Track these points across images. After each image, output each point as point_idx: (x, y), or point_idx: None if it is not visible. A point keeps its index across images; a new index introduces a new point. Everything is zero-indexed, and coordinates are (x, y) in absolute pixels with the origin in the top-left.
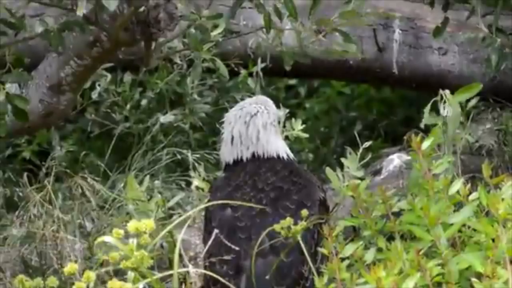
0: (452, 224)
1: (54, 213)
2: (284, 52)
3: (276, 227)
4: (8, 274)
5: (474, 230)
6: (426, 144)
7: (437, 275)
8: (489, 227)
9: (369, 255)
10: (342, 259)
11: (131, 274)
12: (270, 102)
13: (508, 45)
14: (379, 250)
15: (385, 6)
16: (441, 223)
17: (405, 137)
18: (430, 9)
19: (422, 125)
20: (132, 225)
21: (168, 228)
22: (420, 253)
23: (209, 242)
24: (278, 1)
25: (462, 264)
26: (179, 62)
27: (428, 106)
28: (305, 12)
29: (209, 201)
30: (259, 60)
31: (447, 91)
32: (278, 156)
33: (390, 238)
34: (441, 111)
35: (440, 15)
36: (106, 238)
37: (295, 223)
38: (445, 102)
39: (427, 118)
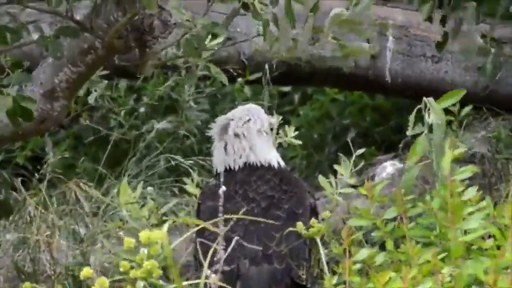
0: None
1: (48, 219)
2: (284, 56)
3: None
4: (1, 279)
5: (483, 238)
6: (458, 150)
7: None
8: (500, 235)
9: (380, 257)
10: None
11: (140, 284)
12: (261, 110)
13: (503, 54)
14: (388, 252)
15: (378, 14)
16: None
17: (400, 145)
18: (423, 17)
19: (408, 134)
20: (143, 235)
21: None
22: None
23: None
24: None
25: (467, 271)
26: (176, 68)
27: (413, 115)
28: (300, 16)
29: (198, 208)
30: (266, 67)
31: (431, 98)
32: (269, 165)
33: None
34: (426, 118)
35: (434, 23)
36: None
37: (288, 232)
38: (429, 109)
39: (411, 128)
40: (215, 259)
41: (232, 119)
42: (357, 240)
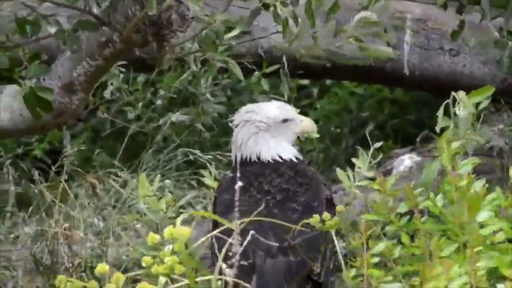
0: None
1: (66, 211)
2: (304, 53)
3: (311, 221)
4: (20, 272)
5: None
6: (455, 144)
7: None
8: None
9: (397, 251)
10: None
11: (162, 279)
12: (292, 110)
13: None
14: (404, 246)
15: (396, 7)
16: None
17: (418, 139)
18: (441, 10)
19: (437, 129)
20: (168, 231)
21: (209, 235)
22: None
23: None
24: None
25: (489, 264)
26: (195, 61)
27: (441, 109)
28: (319, 12)
29: (215, 201)
30: (284, 59)
31: (462, 93)
32: (283, 159)
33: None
34: (457, 112)
35: (451, 16)
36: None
37: (303, 224)
38: (458, 103)
39: (441, 121)
40: (230, 253)
41: (255, 113)
42: (375, 233)
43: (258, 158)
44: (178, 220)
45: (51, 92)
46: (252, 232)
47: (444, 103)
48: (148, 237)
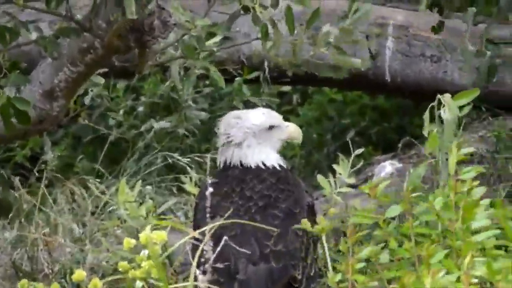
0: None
1: (46, 217)
2: (283, 61)
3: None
4: None
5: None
6: (465, 150)
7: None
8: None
9: (384, 256)
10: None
11: (139, 284)
12: (278, 117)
13: (500, 55)
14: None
15: (378, 14)
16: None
17: (399, 145)
18: (423, 17)
19: (425, 133)
20: (143, 236)
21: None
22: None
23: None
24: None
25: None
26: (176, 72)
27: (427, 113)
28: (297, 18)
29: (196, 207)
30: (265, 65)
31: (448, 95)
32: (265, 166)
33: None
34: (442, 115)
35: (433, 23)
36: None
37: (285, 231)
38: (443, 107)
39: (427, 126)
40: (203, 259)
41: (242, 119)
42: (359, 238)
43: (241, 164)
44: (148, 228)
45: (28, 104)
46: (227, 238)
47: (429, 106)
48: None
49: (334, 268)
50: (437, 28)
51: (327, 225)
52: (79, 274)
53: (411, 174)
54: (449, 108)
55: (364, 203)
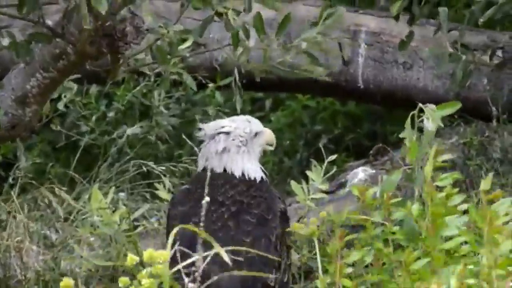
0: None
1: (19, 224)
2: (253, 67)
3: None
4: None
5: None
6: (442, 157)
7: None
8: (474, 241)
9: (369, 257)
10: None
11: None
12: (258, 124)
13: (473, 61)
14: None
15: (350, 20)
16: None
17: (370, 152)
18: (395, 23)
19: (406, 141)
20: (147, 254)
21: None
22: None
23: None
24: (244, 15)
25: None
26: (148, 73)
27: (408, 120)
28: (270, 24)
29: (169, 213)
30: (236, 72)
31: (432, 106)
32: (243, 175)
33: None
34: (425, 124)
35: (406, 29)
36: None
37: (257, 236)
38: (420, 115)
39: (406, 133)
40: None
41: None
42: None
43: (225, 170)
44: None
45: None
46: (199, 245)
47: (410, 114)
48: (100, 250)
49: (301, 276)
50: (407, 41)
51: (315, 229)
52: (66, 282)
53: (385, 181)
54: (432, 118)
55: (338, 209)
